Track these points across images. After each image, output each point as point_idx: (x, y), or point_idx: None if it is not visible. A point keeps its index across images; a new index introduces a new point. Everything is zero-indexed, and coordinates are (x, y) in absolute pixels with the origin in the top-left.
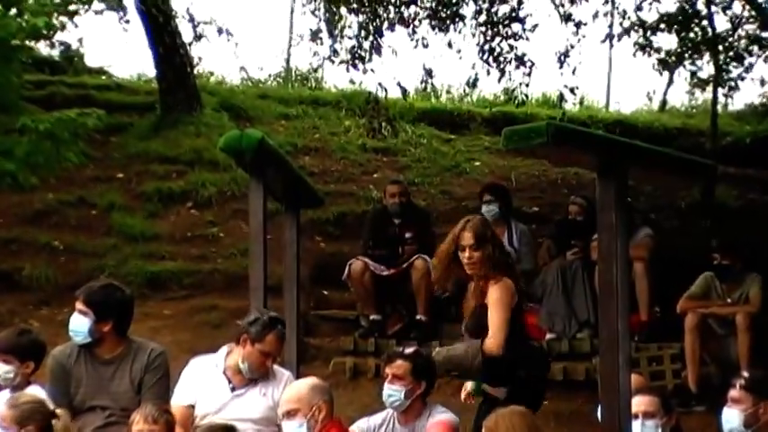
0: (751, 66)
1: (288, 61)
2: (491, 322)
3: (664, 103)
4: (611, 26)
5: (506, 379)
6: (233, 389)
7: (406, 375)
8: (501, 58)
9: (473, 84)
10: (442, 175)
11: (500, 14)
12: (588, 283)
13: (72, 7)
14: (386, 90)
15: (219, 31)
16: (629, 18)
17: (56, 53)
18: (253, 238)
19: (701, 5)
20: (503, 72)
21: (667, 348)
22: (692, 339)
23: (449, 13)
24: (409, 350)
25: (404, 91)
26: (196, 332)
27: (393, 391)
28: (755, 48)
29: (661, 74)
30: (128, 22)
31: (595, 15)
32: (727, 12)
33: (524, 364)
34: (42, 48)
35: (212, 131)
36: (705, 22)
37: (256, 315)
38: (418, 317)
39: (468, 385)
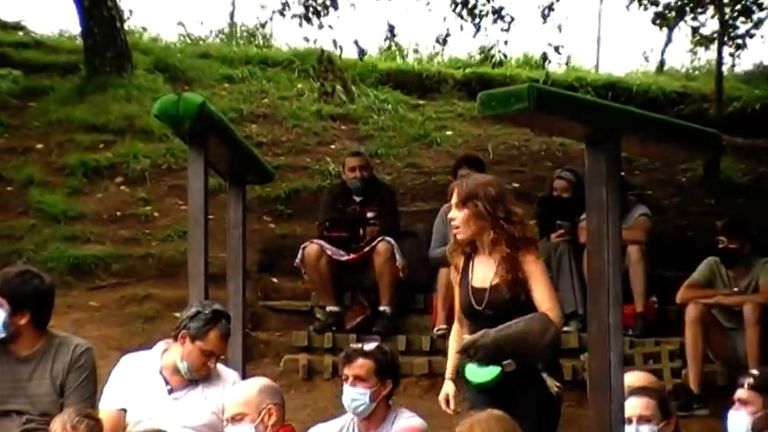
0: (760, 21)
1: (232, 16)
2: (543, 295)
3: (662, 63)
4: None
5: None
6: (170, 391)
7: (370, 376)
8: (476, 11)
9: (444, 41)
10: (410, 145)
11: None
12: (576, 269)
13: None
14: (341, 48)
15: None
16: None
17: None
18: (192, 218)
19: None
20: (478, 27)
21: (666, 344)
22: (694, 333)
23: None
24: (370, 346)
25: (361, 51)
26: (127, 326)
27: (357, 395)
28: (766, 0)
29: (660, 30)
30: None
31: None
32: None
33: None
34: None
35: (145, 96)
36: None
37: (197, 308)
38: (382, 308)
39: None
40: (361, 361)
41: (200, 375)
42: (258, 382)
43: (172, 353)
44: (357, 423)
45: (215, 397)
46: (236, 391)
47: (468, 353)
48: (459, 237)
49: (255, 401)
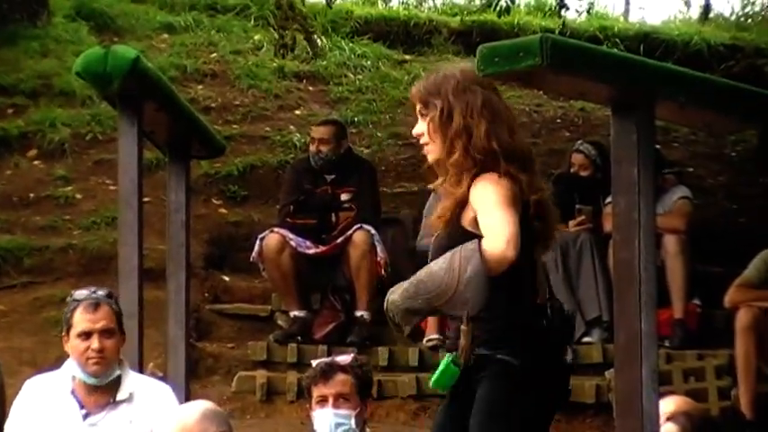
0: None
1: None
2: (483, 222)
3: (706, 9)
4: None
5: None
6: (86, 415)
7: (353, 395)
8: None
9: None
10: (393, 111)
11: None
12: (599, 264)
13: None
14: None
15: None
16: None
17: None
18: (123, 201)
19: None
20: None
21: (711, 357)
22: (747, 344)
23: None
24: (346, 359)
25: None
26: (42, 335)
27: (342, 419)
28: None
29: None
30: None
31: None
32: None
33: (516, 340)
34: None
35: (65, 50)
36: None
37: (68, 299)
38: (358, 313)
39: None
40: (341, 376)
41: (100, 372)
42: (199, 408)
43: (70, 367)
44: None
45: (142, 419)
46: (173, 418)
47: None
48: (429, 158)
49: (196, 430)
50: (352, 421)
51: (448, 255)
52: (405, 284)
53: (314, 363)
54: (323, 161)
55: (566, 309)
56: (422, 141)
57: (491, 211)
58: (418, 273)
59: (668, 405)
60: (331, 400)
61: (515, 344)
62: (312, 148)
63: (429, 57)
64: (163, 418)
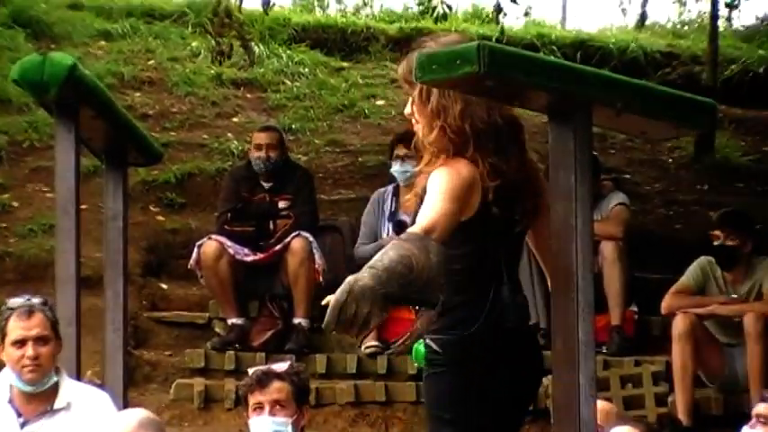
0: None
1: None
2: (419, 212)
3: (643, 17)
4: None
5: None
6: (24, 424)
7: (290, 401)
8: None
9: None
10: (331, 118)
11: None
12: (537, 271)
13: None
14: None
15: None
16: None
17: None
18: (60, 208)
19: None
20: None
21: (648, 364)
22: (683, 351)
23: None
24: (282, 366)
25: (266, 1)
26: None
27: (279, 426)
28: None
29: None
30: None
31: None
32: None
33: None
34: None
35: (1, 57)
36: None
37: (1, 308)
38: (296, 320)
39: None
40: (277, 384)
41: (36, 380)
42: (135, 416)
43: (7, 376)
44: None
45: (80, 427)
46: (108, 427)
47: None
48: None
49: None
50: (289, 428)
51: (405, 238)
52: (370, 271)
53: (250, 371)
54: (272, 166)
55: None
56: (412, 122)
57: (429, 201)
58: (380, 258)
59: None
60: (267, 407)
61: (446, 316)
62: (259, 154)
63: (367, 64)
64: (100, 427)
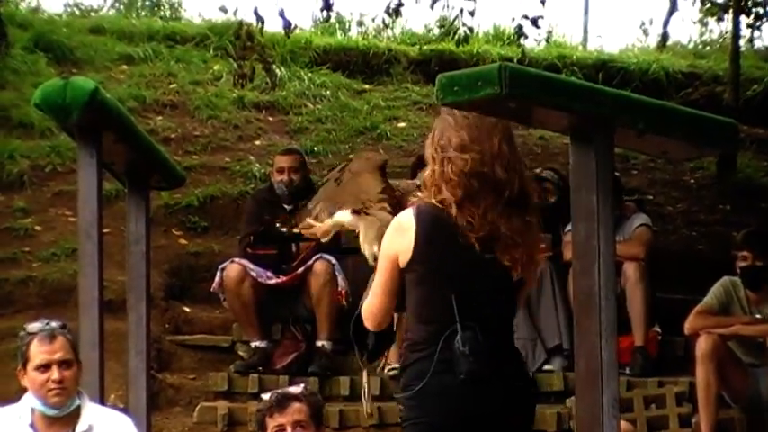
0: None
1: None
2: None
3: (664, 38)
4: None
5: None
6: None
7: (309, 422)
8: None
9: (395, 11)
10: (353, 141)
11: None
12: (559, 292)
13: None
14: (262, 20)
15: None
16: None
17: None
18: (83, 232)
19: None
20: None
21: (672, 384)
22: (707, 372)
23: None
24: (297, 389)
25: (287, 24)
26: (2, 369)
27: None
28: None
29: None
30: None
31: None
32: None
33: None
34: None
35: (23, 81)
36: None
37: (20, 333)
38: (319, 343)
39: None
40: (296, 405)
41: (62, 403)
42: None
43: (29, 401)
44: None
45: None
46: None
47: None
48: None
49: None
50: None
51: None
52: None
53: (265, 396)
54: (294, 189)
55: (479, 344)
56: None
57: (372, 286)
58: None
59: None
60: (289, 428)
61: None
62: (281, 177)
63: (388, 86)
64: None
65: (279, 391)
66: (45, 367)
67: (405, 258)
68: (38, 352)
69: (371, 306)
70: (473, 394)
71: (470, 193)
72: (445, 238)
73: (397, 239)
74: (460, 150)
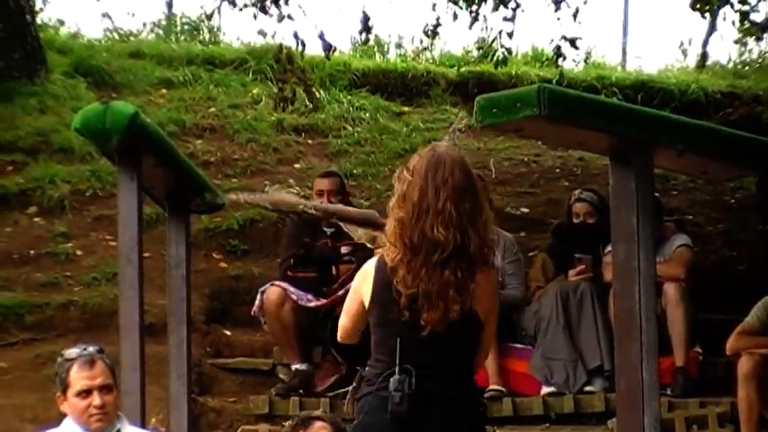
0: None
1: (170, 5)
2: None
3: (704, 57)
4: None
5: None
6: None
7: None
8: None
9: (434, 32)
10: (392, 163)
11: None
12: (600, 313)
13: None
14: (302, 43)
15: None
16: None
17: None
18: (123, 256)
19: None
20: (476, 16)
21: (713, 405)
22: (749, 392)
23: None
24: (319, 412)
25: (327, 46)
26: (44, 392)
27: None
28: None
29: (702, 16)
30: None
31: None
32: None
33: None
34: None
35: (64, 106)
36: None
37: (58, 360)
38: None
39: None
40: (319, 423)
41: (103, 429)
42: None
43: (70, 426)
44: None
45: None
46: None
47: None
48: None
49: None
50: None
51: None
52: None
53: (285, 424)
54: None
55: (407, 387)
56: None
57: None
58: None
59: None
60: None
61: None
62: (321, 200)
63: (427, 108)
64: None
65: (301, 414)
66: (86, 393)
67: (366, 301)
68: (78, 378)
69: (341, 323)
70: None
71: (405, 251)
72: (388, 292)
73: (362, 284)
74: (400, 203)
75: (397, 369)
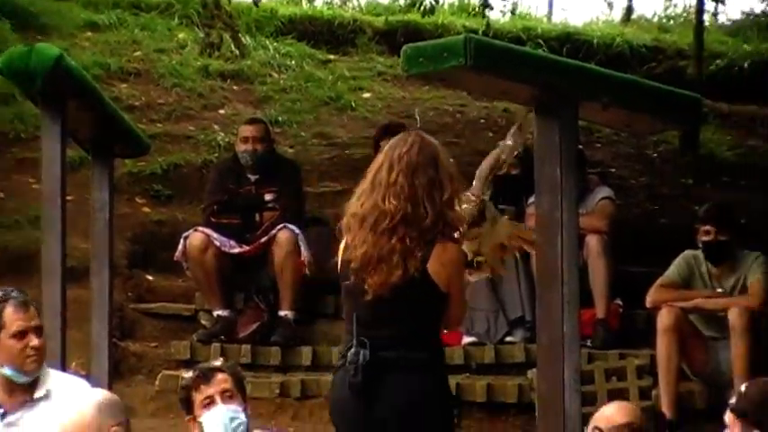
0: None
1: None
2: None
3: (629, 11)
4: None
5: None
6: (3, 415)
7: (235, 392)
8: None
9: None
10: (318, 111)
11: None
12: (522, 265)
13: None
14: None
15: None
16: None
17: None
18: (47, 199)
19: None
20: None
21: (633, 357)
22: (668, 344)
23: None
24: (218, 362)
25: None
26: None
27: (235, 413)
28: None
29: None
30: None
31: None
32: None
33: None
34: None
35: None
36: None
37: None
38: (282, 313)
39: None
40: (221, 375)
41: (37, 370)
42: (96, 398)
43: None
44: None
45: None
46: (70, 411)
47: None
48: None
49: (94, 424)
50: (243, 416)
51: None
52: None
53: (185, 375)
54: (258, 159)
55: (361, 358)
56: None
57: None
58: None
59: (609, 410)
60: (218, 397)
61: None
62: (245, 146)
63: (353, 57)
64: (58, 415)
65: (200, 365)
66: (22, 334)
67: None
68: (14, 319)
69: None
70: (355, 405)
71: (356, 219)
72: (348, 264)
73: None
74: (364, 177)
75: (354, 342)
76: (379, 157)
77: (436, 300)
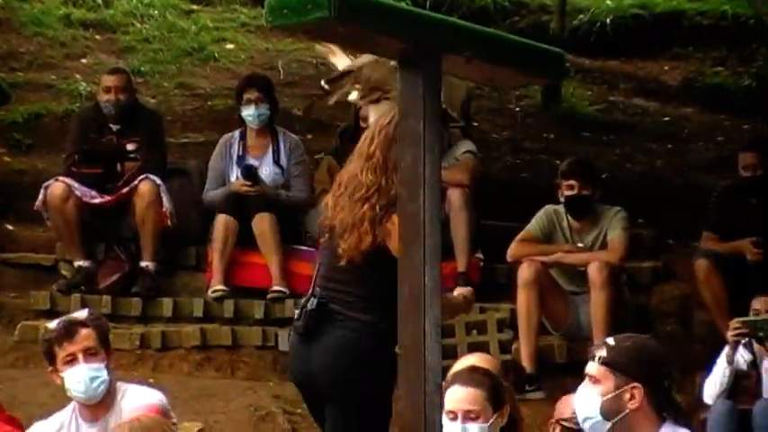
0: None
1: None
2: None
3: None
4: None
5: None
6: None
7: (99, 348)
8: None
9: None
10: (181, 61)
11: None
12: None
13: None
14: None
15: None
16: None
17: None
18: None
19: None
20: None
21: (493, 311)
22: (528, 298)
23: None
24: (83, 314)
25: None
26: None
27: (96, 372)
28: None
29: None
30: None
31: None
32: None
33: None
34: None
35: None
36: None
37: None
38: (143, 263)
39: None
40: (84, 331)
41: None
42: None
43: None
44: (79, 412)
45: None
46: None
47: None
48: None
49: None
50: (105, 373)
51: None
52: None
53: (49, 325)
54: (120, 108)
55: (309, 305)
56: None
57: None
58: None
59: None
60: (81, 356)
61: None
62: (107, 96)
63: (217, 7)
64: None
65: (64, 318)
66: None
67: None
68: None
69: None
70: (298, 350)
71: (337, 186)
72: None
73: None
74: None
75: (310, 291)
76: (366, 132)
77: (391, 266)
